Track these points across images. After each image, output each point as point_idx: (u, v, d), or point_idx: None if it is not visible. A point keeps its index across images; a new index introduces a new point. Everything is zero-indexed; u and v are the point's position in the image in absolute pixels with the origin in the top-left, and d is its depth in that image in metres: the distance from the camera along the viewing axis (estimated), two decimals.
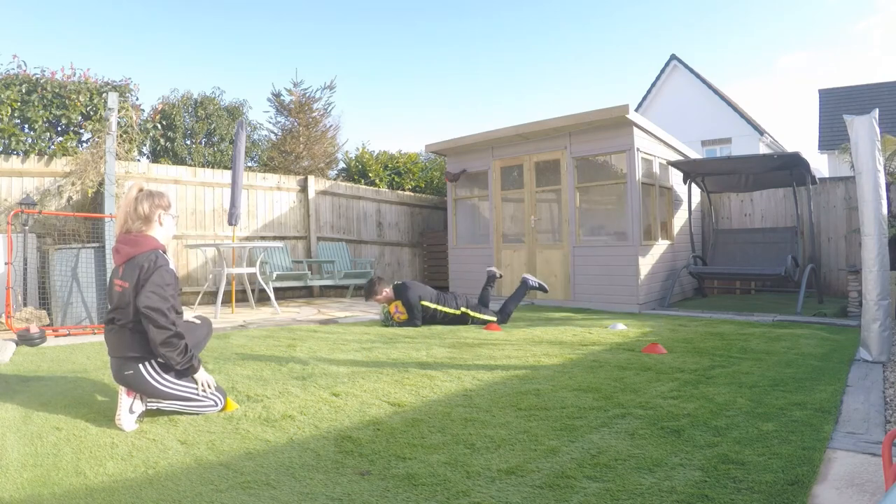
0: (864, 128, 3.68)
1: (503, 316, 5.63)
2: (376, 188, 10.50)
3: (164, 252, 2.53)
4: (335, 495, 1.72)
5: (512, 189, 8.18)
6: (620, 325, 5.18)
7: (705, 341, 4.38)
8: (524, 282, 5.88)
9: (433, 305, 5.46)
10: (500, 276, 5.88)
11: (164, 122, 9.40)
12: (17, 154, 6.58)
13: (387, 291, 5.55)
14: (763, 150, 17.98)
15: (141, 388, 2.43)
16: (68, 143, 6.83)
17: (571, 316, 6.14)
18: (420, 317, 5.41)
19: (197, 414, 2.53)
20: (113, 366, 2.51)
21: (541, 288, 5.90)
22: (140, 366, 2.42)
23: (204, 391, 2.56)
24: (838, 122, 13.85)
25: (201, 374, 2.58)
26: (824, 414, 2.47)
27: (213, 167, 9.73)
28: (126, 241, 2.49)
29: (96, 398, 2.83)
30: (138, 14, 35.45)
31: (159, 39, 38.89)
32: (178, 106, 9.74)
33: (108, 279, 2.69)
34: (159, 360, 2.46)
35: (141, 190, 2.58)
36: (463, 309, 5.53)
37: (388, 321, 5.53)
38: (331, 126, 12.17)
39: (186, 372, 2.52)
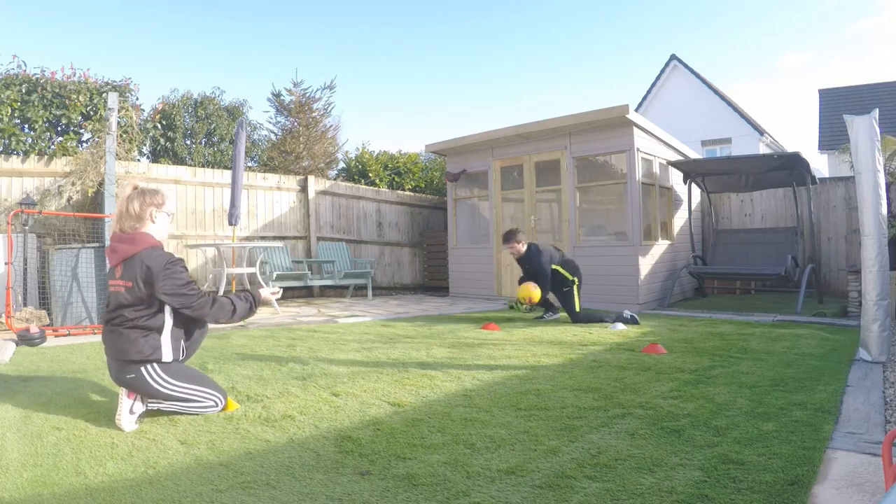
0: (864, 128, 3.68)
1: (581, 316, 5.58)
2: (376, 188, 10.50)
3: (161, 248, 2.51)
4: (335, 495, 1.72)
5: (512, 189, 8.18)
6: (620, 325, 5.18)
7: (705, 341, 4.38)
8: (620, 314, 5.53)
9: (555, 266, 5.59)
10: (634, 321, 5.40)
11: (164, 122, 9.40)
12: (17, 154, 6.58)
13: (521, 246, 5.62)
14: (763, 150, 17.97)
15: (142, 390, 2.43)
16: (68, 143, 6.84)
17: None
18: (549, 284, 5.49)
19: (197, 414, 2.53)
20: (112, 368, 2.48)
21: (633, 320, 5.41)
22: (142, 369, 2.41)
23: (276, 293, 2.78)
24: (838, 122, 13.84)
25: (265, 293, 2.74)
26: (824, 414, 2.47)
27: (213, 167, 9.73)
28: (121, 239, 2.46)
29: (96, 398, 2.83)
30: (138, 14, 35.47)
31: (159, 39, 38.89)
32: (178, 106, 9.75)
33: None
34: (164, 360, 2.46)
35: (135, 188, 2.55)
36: (576, 278, 5.66)
37: (517, 307, 5.66)
38: (331, 126, 12.19)
39: (250, 314, 2.63)
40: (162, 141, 9.41)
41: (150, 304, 2.42)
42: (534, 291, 5.37)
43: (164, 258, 2.42)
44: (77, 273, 5.33)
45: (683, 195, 8.24)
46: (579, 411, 2.55)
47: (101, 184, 6.37)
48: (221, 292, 6.30)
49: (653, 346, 4.00)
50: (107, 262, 2.60)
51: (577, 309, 5.60)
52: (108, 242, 5.48)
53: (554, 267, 5.57)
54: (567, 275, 5.61)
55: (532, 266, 5.54)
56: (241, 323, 5.75)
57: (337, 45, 41.71)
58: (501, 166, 8.21)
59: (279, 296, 2.78)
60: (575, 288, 5.62)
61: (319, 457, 2.04)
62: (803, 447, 2.06)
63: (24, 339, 4.40)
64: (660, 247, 7.39)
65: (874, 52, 46.94)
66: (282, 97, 11.58)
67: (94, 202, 6.69)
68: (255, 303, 2.65)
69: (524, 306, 5.55)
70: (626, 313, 5.50)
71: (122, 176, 6.97)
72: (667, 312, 6.44)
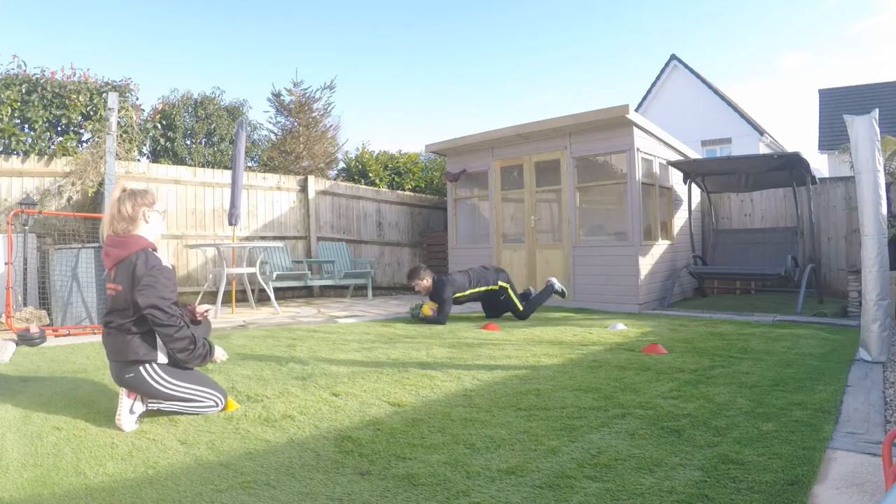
0: (864, 128, 3.68)
1: (525, 312, 5.93)
2: (376, 188, 10.50)
3: (155, 250, 2.50)
4: (335, 495, 1.72)
5: (512, 189, 8.18)
6: (620, 325, 5.18)
7: (705, 341, 4.38)
8: (549, 285, 6.19)
9: (469, 291, 5.82)
10: (564, 294, 6.29)
11: (164, 122, 9.41)
12: (17, 154, 6.58)
13: (427, 281, 5.81)
14: (763, 150, 17.97)
15: (142, 390, 2.43)
16: (68, 143, 6.84)
17: (571, 316, 6.14)
18: (447, 314, 5.68)
19: (197, 414, 2.53)
20: (112, 369, 2.49)
21: (562, 293, 6.22)
22: (141, 368, 2.41)
23: (225, 358, 2.73)
24: (838, 122, 13.85)
25: (218, 355, 2.68)
26: (824, 414, 2.47)
27: (213, 167, 9.73)
28: (114, 243, 2.45)
29: (96, 398, 2.83)
30: (138, 14, 35.46)
31: (159, 39, 38.86)
32: (178, 106, 9.75)
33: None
34: (160, 361, 2.46)
35: (124, 190, 2.54)
36: (501, 283, 5.93)
37: (415, 315, 5.87)
38: (331, 126, 12.19)
39: (203, 363, 2.55)
40: (162, 141, 9.41)
41: (138, 308, 2.39)
42: (425, 306, 5.73)
43: (152, 262, 2.40)
44: (77, 273, 5.33)
45: (683, 195, 8.24)
46: (579, 411, 2.55)
47: (101, 184, 6.37)
48: (221, 292, 6.30)
49: (653, 346, 4.00)
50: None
51: (520, 308, 5.93)
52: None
53: (474, 290, 5.83)
54: (492, 287, 5.89)
55: (435, 298, 5.72)
56: (241, 322, 5.75)
57: (337, 45, 41.69)
58: (501, 166, 8.21)
59: (224, 359, 2.78)
60: (509, 291, 5.93)
61: (319, 457, 2.04)
62: (803, 447, 2.06)
63: (24, 339, 4.40)
64: (660, 247, 7.39)
65: (874, 52, 46.99)
66: (282, 97, 11.58)
67: (94, 202, 6.69)
68: (208, 356, 2.58)
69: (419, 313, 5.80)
70: (557, 285, 6.17)
71: (122, 176, 6.97)
72: (667, 312, 6.44)
